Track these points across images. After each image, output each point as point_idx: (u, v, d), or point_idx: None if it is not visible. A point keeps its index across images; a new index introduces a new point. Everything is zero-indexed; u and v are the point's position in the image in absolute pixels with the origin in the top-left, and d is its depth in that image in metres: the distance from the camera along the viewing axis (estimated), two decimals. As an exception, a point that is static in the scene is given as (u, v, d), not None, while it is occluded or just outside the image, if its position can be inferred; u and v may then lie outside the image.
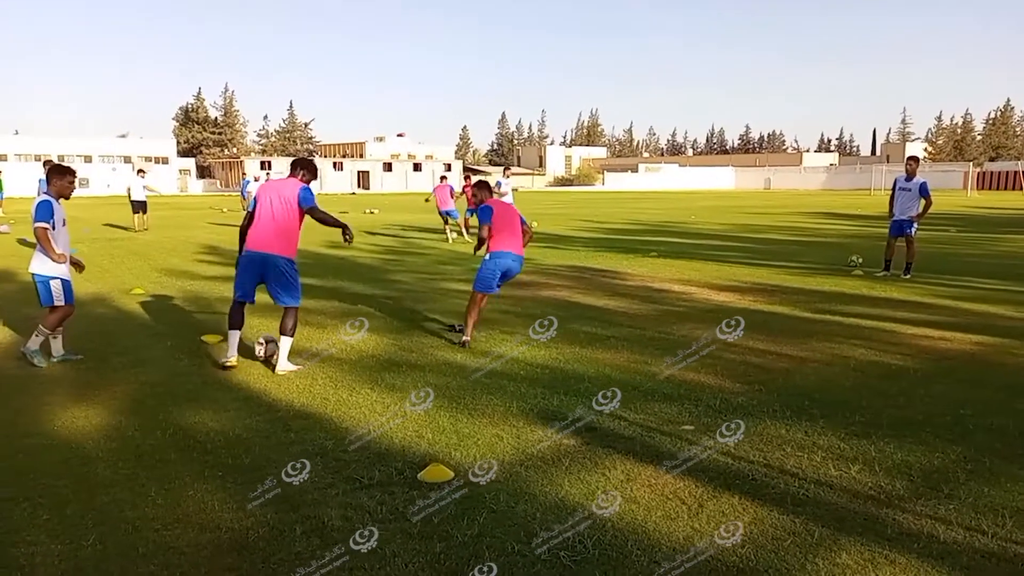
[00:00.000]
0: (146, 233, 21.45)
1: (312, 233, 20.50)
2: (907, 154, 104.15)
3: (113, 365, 6.68)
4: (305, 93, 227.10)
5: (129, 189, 23.04)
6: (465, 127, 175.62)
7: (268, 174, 49.29)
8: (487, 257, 7.35)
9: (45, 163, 16.42)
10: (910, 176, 12.06)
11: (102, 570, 3.31)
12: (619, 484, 4.12)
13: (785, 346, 7.17)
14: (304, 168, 6.62)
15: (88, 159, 72.76)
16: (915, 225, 12.00)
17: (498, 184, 20.21)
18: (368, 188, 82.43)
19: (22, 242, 17.97)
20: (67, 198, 6.72)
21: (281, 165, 74.46)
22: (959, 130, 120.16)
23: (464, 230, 19.47)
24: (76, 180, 6.85)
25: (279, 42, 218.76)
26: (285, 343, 6.44)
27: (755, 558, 3.35)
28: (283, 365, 6.40)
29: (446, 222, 19.93)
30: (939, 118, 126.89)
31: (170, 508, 3.86)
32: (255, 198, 6.42)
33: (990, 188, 73.92)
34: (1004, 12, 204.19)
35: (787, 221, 27.30)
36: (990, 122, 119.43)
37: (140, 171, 24.09)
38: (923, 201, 11.97)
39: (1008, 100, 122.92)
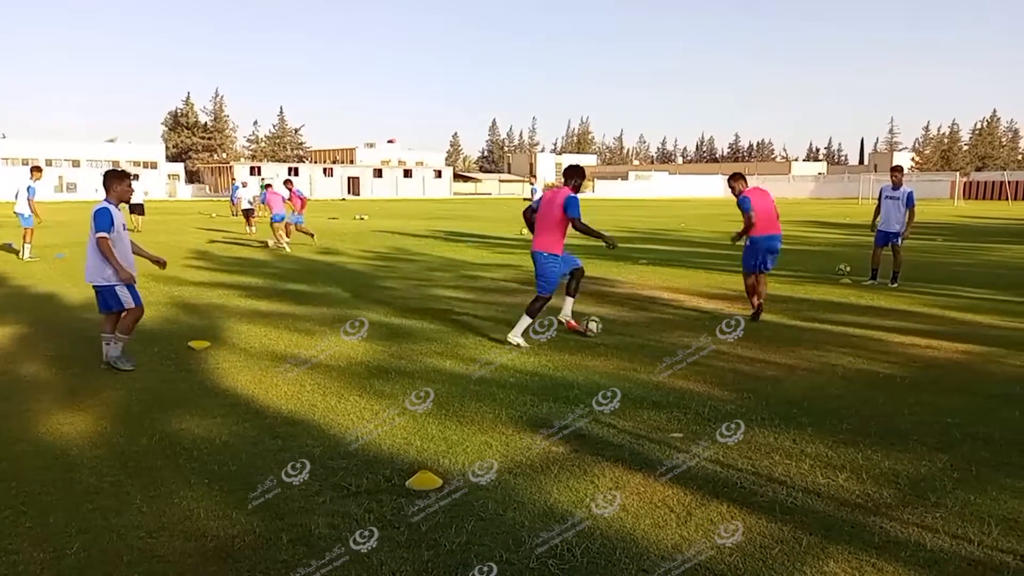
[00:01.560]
0: (137, 236, 21.32)
1: (303, 239, 20.44)
2: (894, 163, 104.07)
3: (99, 371, 6.62)
4: (295, 99, 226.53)
5: None
6: (456, 134, 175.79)
7: (263, 179, 49.05)
8: (747, 243, 8.99)
9: (33, 168, 16.36)
10: (896, 186, 12.15)
11: (85, 578, 3.28)
12: (607, 492, 4.10)
13: (774, 354, 7.19)
14: (574, 175, 7.75)
15: (76, 163, 72.41)
16: (902, 235, 12.07)
17: (533, 191, 20.41)
18: (358, 194, 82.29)
19: (7, 248, 17.82)
20: (127, 202, 6.74)
21: (271, 171, 74.26)
22: (946, 140, 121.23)
23: (280, 238, 18.52)
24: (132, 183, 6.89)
25: (269, 48, 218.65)
26: (524, 319, 7.50)
27: (743, 566, 3.35)
28: (511, 335, 7.49)
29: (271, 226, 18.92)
30: (926, 128, 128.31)
31: (155, 516, 3.83)
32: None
33: (976, 198, 74.55)
34: (991, 24, 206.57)
35: (776, 229, 27.38)
36: (976, 132, 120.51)
37: (135, 176, 25.90)
38: (907, 211, 12.04)
39: (994, 111, 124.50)
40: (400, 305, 10.08)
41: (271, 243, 18.88)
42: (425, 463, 4.50)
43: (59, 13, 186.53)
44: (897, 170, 12.43)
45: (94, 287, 6.65)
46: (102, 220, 6.44)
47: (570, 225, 7.48)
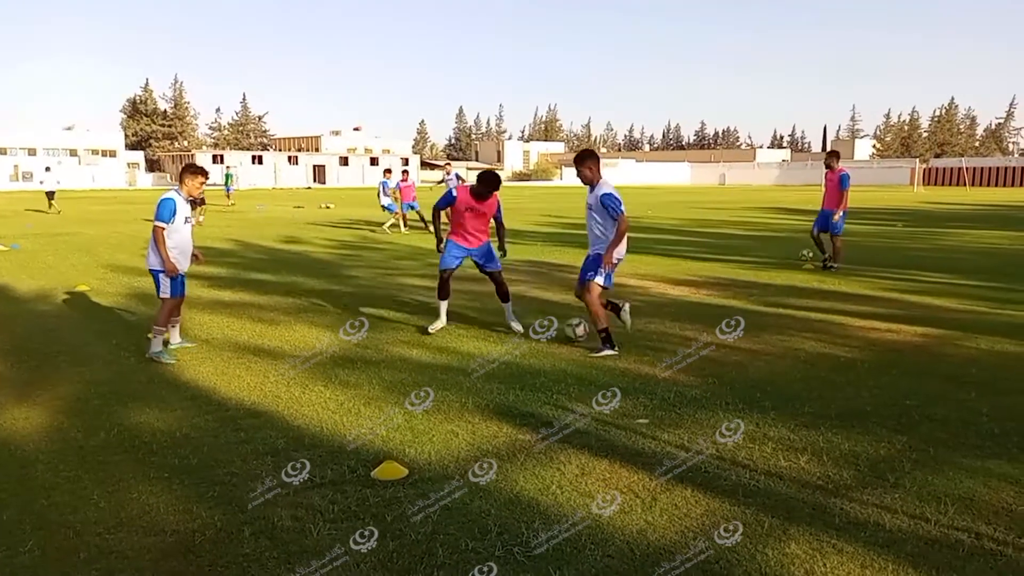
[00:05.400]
0: (92, 227, 20.88)
1: (268, 228, 20.19)
2: (856, 150, 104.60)
3: (56, 363, 6.47)
4: (258, 86, 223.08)
5: (42, 182, 29.38)
6: (423, 121, 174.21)
7: (228, 167, 48.33)
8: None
9: (384, 170, 18.57)
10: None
11: (40, 577, 3.20)
12: (573, 479, 4.12)
13: (738, 339, 7.24)
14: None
15: (32, 152, 70.46)
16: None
17: (454, 177, 20.14)
18: (324, 182, 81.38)
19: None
20: (195, 198, 6.87)
21: (234, 159, 73.10)
22: (906, 127, 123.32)
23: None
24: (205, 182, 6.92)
25: (231, 34, 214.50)
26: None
27: (706, 549, 3.37)
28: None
29: None
30: (887, 115, 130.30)
31: (113, 511, 3.75)
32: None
33: (936, 184, 76.07)
34: (949, 12, 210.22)
35: (741, 216, 27.70)
36: (935, 120, 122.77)
37: (47, 168, 30.54)
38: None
39: (952, 99, 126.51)
40: (366, 294, 9.99)
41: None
42: (390, 453, 4.47)
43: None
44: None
45: (149, 270, 6.79)
46: (163, 210, 6.51)
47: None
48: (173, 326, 6.94)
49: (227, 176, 35.81)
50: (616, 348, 6.69)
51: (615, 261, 6.69)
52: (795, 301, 9.45)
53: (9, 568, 3.25)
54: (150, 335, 6.74)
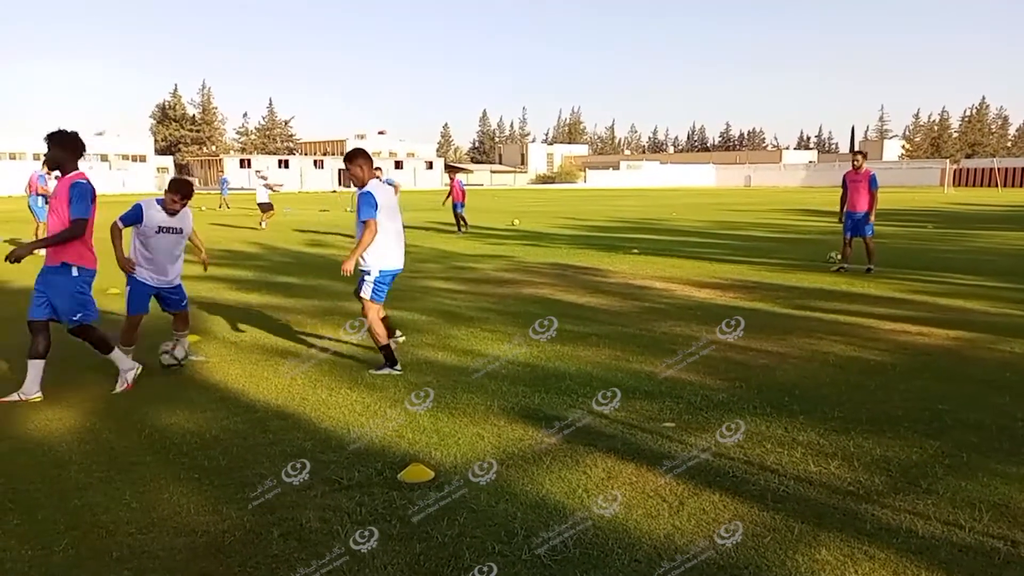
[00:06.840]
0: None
1: (294, 231, 20.37)
2: (885, 151, 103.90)
3: (87, 365, 6.57)
4: (285, 91, 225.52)
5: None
6: (446, 124, 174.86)
7: (257, 171, 49.05)
8: None
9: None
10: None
11: (74, 576, 3.25)
12: (600, 482, 4.10)
13: (765, 342, 7.19)
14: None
15: (64, 157, 71.62)
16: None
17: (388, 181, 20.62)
18: (350, 186, 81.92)
19: (8, 242, 17.66)
20: (169, 214, 6.31)
21: (261, 163, 73.89)
22: (936, 127, 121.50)
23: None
24: (183, 200, 6.33)
25: (257, 39, 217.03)
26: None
27: (735, 555, 3.34)
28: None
29: None
30: (916, 115, 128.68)
31: (145, 511, 3.80)
32: None
33: (966, 185, 74.88)
34: (979, 9, 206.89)
35: (767, 218, 27.45)
36: (966, 120, 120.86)
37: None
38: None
39: (983, 98, 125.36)
40: (390, 297, 10.00)
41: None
42: (417, 455, 4.48)
43: (42, 3, 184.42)
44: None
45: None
46: (126, 213, 6.28)
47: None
48: (177, 340, 6.61)
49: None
50: (399, 366, 6.06)
51: (364, 270, 5.96)
52: (823, 304, 9.34)
53: (45, 567, 3.31)
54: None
